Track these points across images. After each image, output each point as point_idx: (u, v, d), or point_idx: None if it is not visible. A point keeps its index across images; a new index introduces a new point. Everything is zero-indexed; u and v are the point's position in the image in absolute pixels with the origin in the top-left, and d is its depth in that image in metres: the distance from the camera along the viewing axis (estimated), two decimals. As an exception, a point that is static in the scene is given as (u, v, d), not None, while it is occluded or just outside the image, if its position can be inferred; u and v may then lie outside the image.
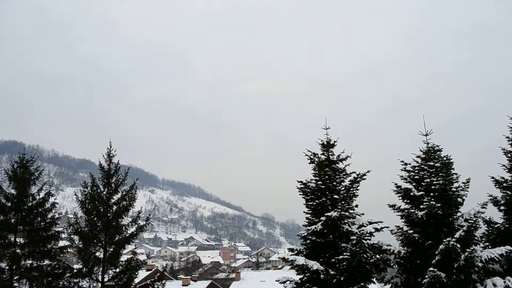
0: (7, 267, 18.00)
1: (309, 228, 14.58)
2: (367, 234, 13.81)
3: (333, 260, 13.67)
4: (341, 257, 13.37)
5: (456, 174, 14.65)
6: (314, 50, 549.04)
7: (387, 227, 14.40)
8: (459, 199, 14.30)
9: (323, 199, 14.72)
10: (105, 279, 18.05)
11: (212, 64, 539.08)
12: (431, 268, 12.53)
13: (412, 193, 14.53)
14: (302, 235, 14.83)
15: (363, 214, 14.99)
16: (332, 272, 13.45)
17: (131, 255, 19.03)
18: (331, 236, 14.33)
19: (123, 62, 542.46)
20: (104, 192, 18.92)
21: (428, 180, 14.31)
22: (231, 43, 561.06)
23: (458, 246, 12.69)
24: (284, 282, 14.60)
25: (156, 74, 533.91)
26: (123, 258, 18.77)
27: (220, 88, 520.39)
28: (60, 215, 20.07)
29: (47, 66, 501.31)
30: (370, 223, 14.47)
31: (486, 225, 15.53)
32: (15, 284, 18.14)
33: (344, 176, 15.31)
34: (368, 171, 15.15)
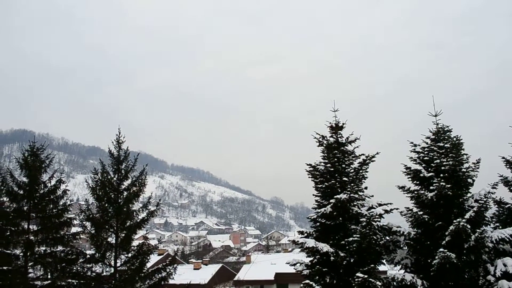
0: (21, 254, 18.27)
1: (319, 210, 14.60)
2: (377, 216, 13.80)
3: (343, 242, 13.72)
4: (351, 239, 13.41)
5: (466, 154, 14.53)
6: (320, 34, 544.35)
7: (397, 209, 14.37)
8: (469, 180, 14.20)
9: (332, 181, 14.70)
10: (118, 264, 18.30)
11: (219, 50, 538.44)
12: (441, 249, 12.52)
13: (421, 174, 14.46)
14: (312, 217, 14.86)
15: (372, 196, 14.97)
16: (342, 254, 13.50)
17: (143, 240, 19.24)
18: (340, 218, 14.35)
19: (131, 49, 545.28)
20: (115, 178, 19.06)
21: (438, 161, 14.21)
22: (237, 29, 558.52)
23: (468, 226, 12.64)
24: (294, 265, 14.70)
25: (164, 61, 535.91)
26: (135, 243, 18.98)
27: (227, 73, 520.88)
28: (71, 202, 20.25)
29: (55, 56, 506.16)
30: (380, 205, 14.45)
31: (496, 206, 15.44)
32: (30, 270, 18.43)
33: (353, 158, 15.25)
34: (377, 153, 15.08)
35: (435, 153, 14.47)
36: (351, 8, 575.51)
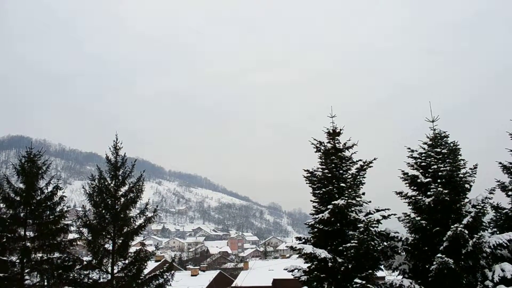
0: (18, 261, 18.17)
1: (316, 216, 14.59)
2: (375, 222, 13.80)
3: (341, 248, 13.69)
4: (348, 244, 13.39)
5: (463, 160, 14.57)
6: (316, 40, 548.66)
7: (395, 214, 14.38)
8: (466, 185, 14.23)
9: (330, 187, 14.71)
10: (115, 271, 18.21)
11: (219, 56, 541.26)
12: (439, 255, 12.52)
13: (419, 180, 14.48)
14: (310, 223, 14.84)
15: (370, 201, 14.97)
16: (340, 260, 13.48)
17: (140, 247, 19.17)
18: (338, 224, 14.34)
19: (130, 57, 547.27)
20: (112, 185, 19.01)
21: (435, 166, 14.24)
22: (237, 37, 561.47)
23: (466, 232, 12.65)
24: (292, 271, 14.66)
25: (164, 68, 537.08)
26: (132, 249, 18.91)
27: (227, 80, 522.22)
28: (68, 208, 20.18)
29: (55, 63, 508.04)
30: (377, 210, 14.45)
31: (494, 211, 15.43)
32: (26, 277, 18.32)
33: (351, 164, 15.27)
34: (374, 159, 15.10)
35: (432, 158, 14.51)
36: (352, 11, 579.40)
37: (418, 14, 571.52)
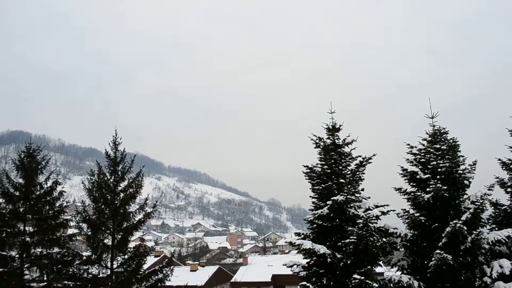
0: (17, 255, 18.19)
1: (316, 212, 14.58)
2: (374, 218, 13.80)
3: (340, 243, 13.71)
4: (347, 240, 13.40)
5: (462, 156, 14.58)
6: (316, 40, 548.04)
7: (394, 210, 14.39)
8: (465, 182, 14.25)
9: (329, 183, 14.70)
10: (114, 266, 18.24)
11: (218, 56, 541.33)
12: (437, 251, 12.54)
13: (418, 176, 14.49)
14: (309, 219, 14.83)
15: (369, 197, 14.96)
16: (339, 256, 13.49)
17: (139, 242, 19.20)
18: (337, 220, 14.35)
19: (130, 55, 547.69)
20: (111, 180, 19.01)
21: (435, 162, 14.24)
22: (236, 36, 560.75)
23: (465, 228, 12.67)
24: (291, 266, 14.69)
25: (164, 67, 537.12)
26: (131, 244, 18.94)
27: (227, 78, 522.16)
28: (68, 204, 20.17)
29: (55, 60, 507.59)
30: (377, 206, 14.45)
31: (492, 207, 15.47)
32: (26, 272, 18.35)
33: (350, 160, 15.25)
34: (374, 155, 15.07)
35: (432, 155, 14.50)
36: (352, 11, 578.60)
37: (418, 14, 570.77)
